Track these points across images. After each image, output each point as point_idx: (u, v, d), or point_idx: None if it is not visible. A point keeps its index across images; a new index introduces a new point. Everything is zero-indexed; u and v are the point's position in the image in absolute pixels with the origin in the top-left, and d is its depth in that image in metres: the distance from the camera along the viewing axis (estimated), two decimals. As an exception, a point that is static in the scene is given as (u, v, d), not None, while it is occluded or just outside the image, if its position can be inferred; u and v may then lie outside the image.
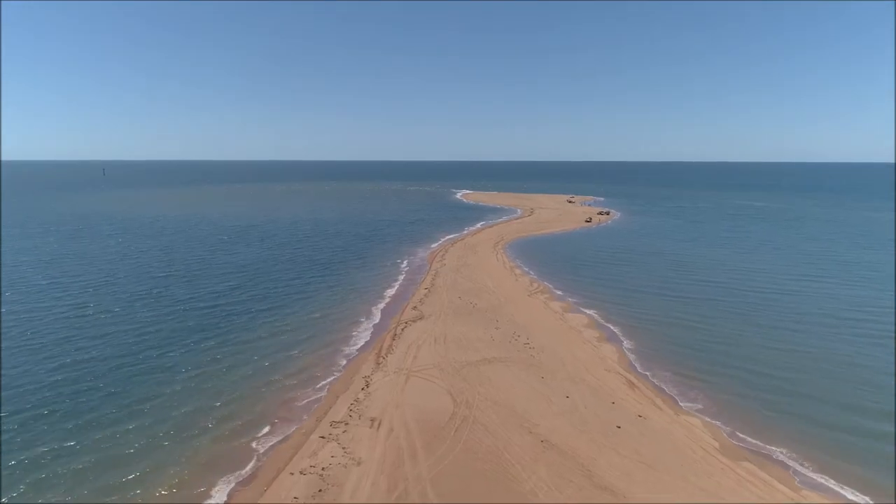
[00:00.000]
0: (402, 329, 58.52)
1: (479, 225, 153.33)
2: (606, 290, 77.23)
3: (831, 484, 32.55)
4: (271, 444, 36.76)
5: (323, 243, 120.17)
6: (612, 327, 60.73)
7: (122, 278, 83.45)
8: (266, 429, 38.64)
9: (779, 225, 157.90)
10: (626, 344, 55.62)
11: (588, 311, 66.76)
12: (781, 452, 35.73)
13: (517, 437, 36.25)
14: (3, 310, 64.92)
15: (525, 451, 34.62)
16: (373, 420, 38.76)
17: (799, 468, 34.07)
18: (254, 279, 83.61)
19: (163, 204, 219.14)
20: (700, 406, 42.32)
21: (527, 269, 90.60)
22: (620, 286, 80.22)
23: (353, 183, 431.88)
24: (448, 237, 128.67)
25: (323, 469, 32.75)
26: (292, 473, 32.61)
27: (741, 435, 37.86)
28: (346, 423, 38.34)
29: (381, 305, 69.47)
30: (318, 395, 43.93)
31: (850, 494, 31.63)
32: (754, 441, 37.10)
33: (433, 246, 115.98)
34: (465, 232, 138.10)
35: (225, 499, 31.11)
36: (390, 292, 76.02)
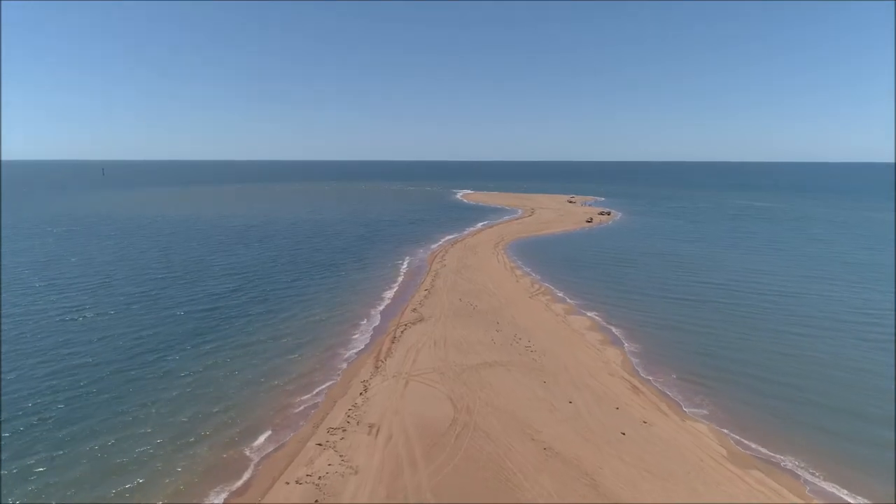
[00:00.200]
0: (402, 332, 57.66)
1: (479, 225, 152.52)
2: (608, 292, 76.43)
3: (844, 494, 31.76)
4: (267, 452, 35.99)
5: (322, 244, 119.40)
6: (614, 330, 59.90)
7: (120, 280, 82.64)
8: (263, 436, 37.88)
9: (780, 225, 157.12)
10: (629, 347, 54.78)
11: (590, 314, 65.94)
12: (790, 460, 34.93)
13: (519, 445, 35.43)
14: (-2, 312, 64.19)
15: (527, 458, 33.81)
16: (371, 426, 37.91)
17: (809, 477, 33.27)
18: (253, 281, 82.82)
19: (162, 204, 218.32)
20: (706, 412, 41.53)
21: (528, 270, 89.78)
22: (622, 288, 79.42)
23: (353, 183, 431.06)
24: (448, 238, 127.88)
25: (319, 478, 31.92)
26: (288, 483, 31.77)
27: (748, 442, 37.06)
28: (344, 430, 37.50)
29: (381, 307, 68.70)
30: (316, 401, 43.16)
31: (861, 505, 30.83)
32: (762, 449, 36.29)
33: (433, 247, 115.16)
34: (466, 232, 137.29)
35: (219, 510, 30.33)
36: (390, 294, 75.26)
